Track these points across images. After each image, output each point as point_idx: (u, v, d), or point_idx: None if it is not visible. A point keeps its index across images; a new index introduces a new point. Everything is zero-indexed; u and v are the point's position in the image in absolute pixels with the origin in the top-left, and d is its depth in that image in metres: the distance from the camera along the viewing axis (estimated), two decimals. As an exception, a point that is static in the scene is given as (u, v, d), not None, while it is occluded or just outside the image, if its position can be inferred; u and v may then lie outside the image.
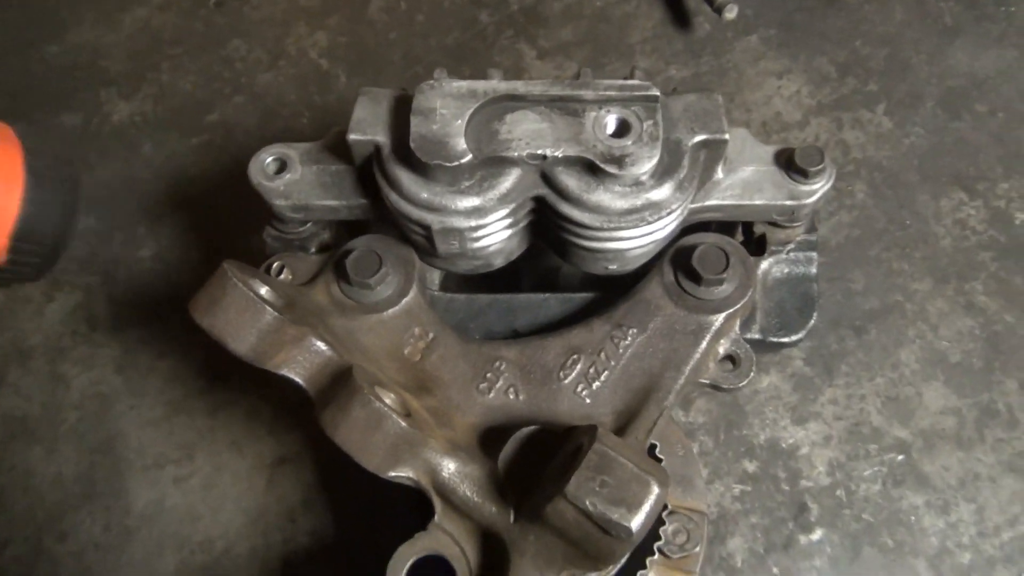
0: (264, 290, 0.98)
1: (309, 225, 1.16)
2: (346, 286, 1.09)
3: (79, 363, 1.47)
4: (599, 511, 0.84)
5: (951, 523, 1.32)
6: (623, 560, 0.98)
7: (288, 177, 1.11)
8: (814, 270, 1.17)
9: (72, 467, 1.39)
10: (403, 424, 0.92)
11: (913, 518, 1.32)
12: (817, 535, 1.32)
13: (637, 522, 0.84)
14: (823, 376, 1.42)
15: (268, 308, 0.93)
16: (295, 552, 1.34)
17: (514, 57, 1.70)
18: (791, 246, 1.17)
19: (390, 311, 1.09)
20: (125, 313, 1.51)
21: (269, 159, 1.11)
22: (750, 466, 1.37)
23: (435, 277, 1.26)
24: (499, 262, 1.13)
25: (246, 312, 0.93)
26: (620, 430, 1.02)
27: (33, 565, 1.33)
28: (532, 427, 0.97)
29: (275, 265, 1.12)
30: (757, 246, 1.18)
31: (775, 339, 1.14)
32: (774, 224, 1.15)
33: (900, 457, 1.36)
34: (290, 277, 1.13)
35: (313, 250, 1.17)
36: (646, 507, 0.85)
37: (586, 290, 1.19)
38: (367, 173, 1.08)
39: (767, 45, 1.67)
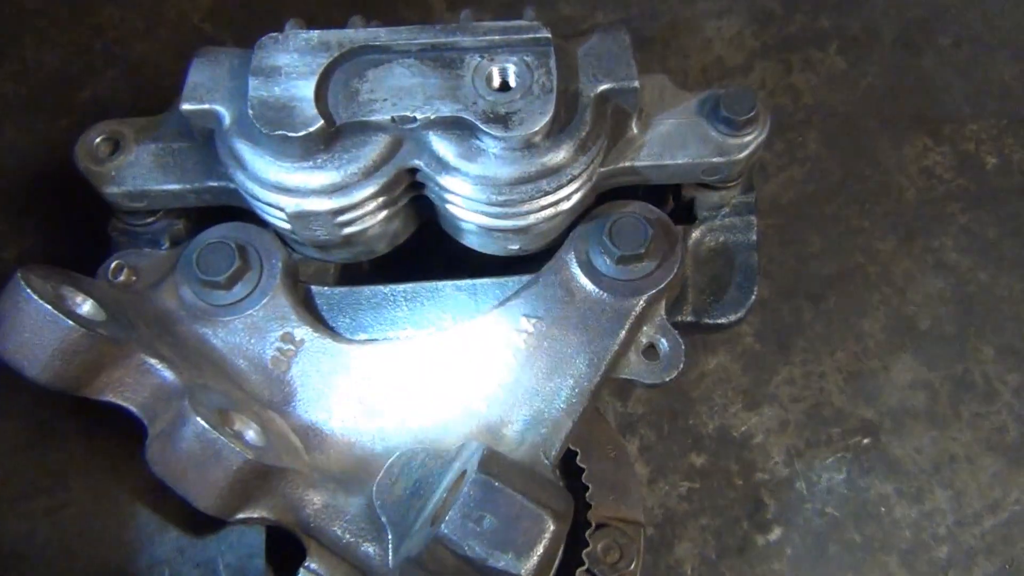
0: (79, 299, 0.80)
1: (159, 215, 0.98)
2: (196, 288, 0.92)
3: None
4: (479, 556, 0.68)
5: (925, 513, 1.17)
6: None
7: (121, 159, 0.93)
8: (754, 236, 1.01)
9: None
10: (247, 456, 0.75)
11: (883, 509, 1.18)
12: (776, 534, 1.17)
13: (528, 567, 0.68)
14: (777, 353, 1.26)
15: (73, 323, 0.76)
16: (183, 588, 1.17)
17: (422, 10, 1.51)
18: (725, 210, 1.00)
19: (248, 313, 0.91)
20: (-12, 322, 1.33)
21: (99, 139, 0.93)
22: (698, 460, 1.22)
23: (331, 267, 1.08)
24: (382, 247, 0.96)
25: (44, 330, 0.75)
26: (525, 442, 0.85)
27: None
28: (413, 450, 0.80)
29: (112, 266, 0.94)
30: (686, 213, 1.01)
31: (711, 320, 0.98)
32: (704, 186, 0.98)
33: (866, 440, 1.21)
34: (133, 279, 0.95)
35: (166, 245, 0.99)
36: (539, 548, 0.69)
37: (504, 273, 1.02)
38: (212, 152, 0.90)
39: (703, -18, 1.50)
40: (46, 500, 1.23)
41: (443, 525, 0.69)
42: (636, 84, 0.86)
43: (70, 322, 0.75)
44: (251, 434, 0.80)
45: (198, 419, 0.75)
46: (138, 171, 0.92)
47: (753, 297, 0.99)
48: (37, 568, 1.20)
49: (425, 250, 1.06)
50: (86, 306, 0.80)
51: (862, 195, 1.34)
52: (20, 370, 0.75)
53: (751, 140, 0.91)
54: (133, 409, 0.81)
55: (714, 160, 0.91)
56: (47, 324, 0.75)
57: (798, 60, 1.43)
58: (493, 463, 0.72)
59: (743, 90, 0.90)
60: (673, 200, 1.03)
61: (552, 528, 0.69)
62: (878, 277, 1.29)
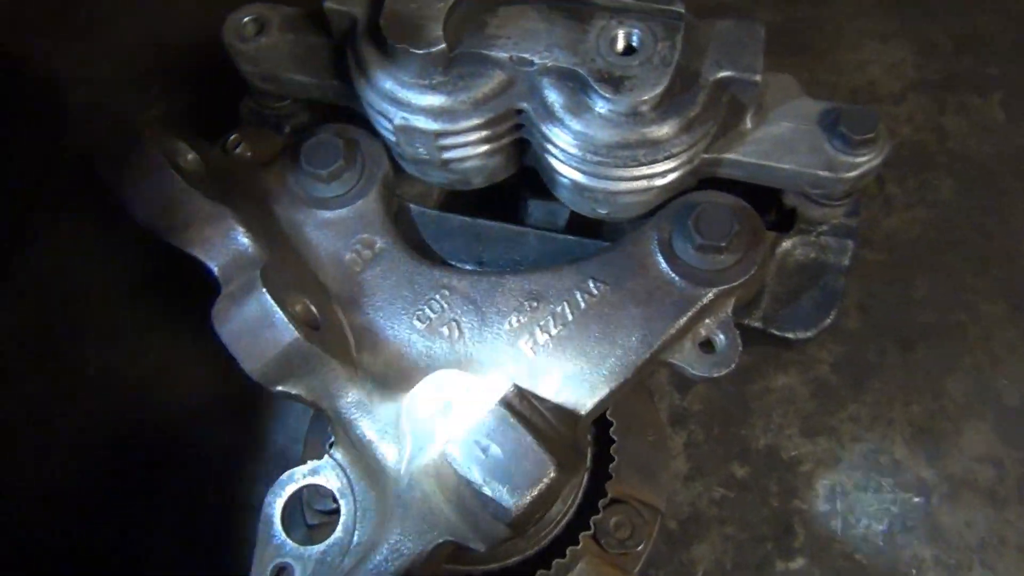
0: (190, 156, 0.87)
1: (286, 103, 1.04)
2: (300, 175, 0.97)
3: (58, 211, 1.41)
4: (476, 481, 0.71)
5: (958, 587, 1.12)
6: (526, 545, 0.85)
7: (263, 42, 0.98)
8: (846, 261, 0.98)
9: (16, 316, 1.34)
10: (298, 335, 0.80)
11: (914, 571, 1.13)
12: (798, 564, 1.15)
13: (519, 507, 0.70)
14: (850, 388, 1.23)
15: (175, 174, 0.82)
16: (229, 452, 1.25)
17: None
18: (824, 228, 0.98)
19: (340, 211, 0.96)
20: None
21: (247, 19, 0.99)
22: (740, 471, 1.20)
23: (434, 191, 1.12)
24: (479, 181, 0.99)
25: (151, 174, 0.82)
26: (559, 395, 0.87)
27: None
28: (452, 372, 0.83)
29: (232, 137, 1.00)
30: (786, 221, 0.99)
31: (778, 332, 0.97)
32: (809, 198, 0.96)
33: (917, 499, 1.17)
34: (248, 154, 1.01)
35: (287, 130, 1.05)
36: (535, 491, 0.71)
37: (591, 236, 1.03)
38: (342, 52, 0.95)
39: (876, 1, 1.44)
40: (132, 343, 1.34)
41: (452, 444, 0.72)
42: (757, 78, 0.85)
43: (176, 174, 0.82)
44: (309, 318, 0.85)
45: (264, 290, 0.80)
46: (275, 56, 0.98)
47: (828, 320, 0.97)
48: (111, 399, 1.31)
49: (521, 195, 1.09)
50: (192, 163, 0.86)
51: (983, 253, 1.27)
52: (129, 209, 0.82)
53: (864, 162, 0.89)
54: (212, 267, 0.87)
55: (820, 173, 0.89)
56: (156, 171, 0.81)
57: (954, 102, 1.37)
58: (516, 401, 0.74)
59: (867, 110, 0.88)
60: (776, 206, 1.01)
61: (552, 475, 0.71)
62: (977, 340, 1.23)
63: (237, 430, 1.28)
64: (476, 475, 0.71)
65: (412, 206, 1.04)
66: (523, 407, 0.74)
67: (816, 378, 1.24)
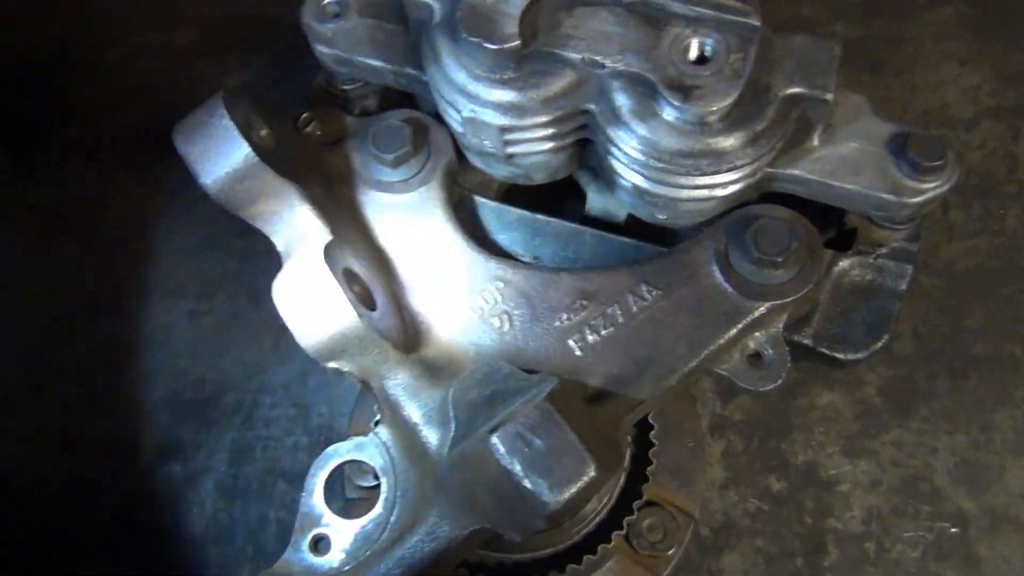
0: (263, 132, 0.89)
1: (358, 85, 1.06)
2: (366, 157, 0.99)
3: (134, 173, 1.45)
4: (517, 473, 0.72)
5: (988, 621, 1.12)
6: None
7: (341, 24, 1.00)
8: (903, 286, 0.98)
9: (92, 273, 1.38)
10: (355, 316, 0.82)
11: (946, 601, 1.13)
12: (826, 582, 1.15)
13: (556, 502, 0.72)
14: (895, 412, 1.22)
15: (249, 149, 0.84)
16: (276, 419, 1.29)
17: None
18: (883, 251, 0.97)
19: (402, 195, 0.98)
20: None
21: (327, 0, 1.01)
22: (776, 484, 1.20)
23: (493, 183, 1.13)
24: (540, 177, 1.00)
25: (225, 145, 0.84)
26: (602, 396, 0.88)
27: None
28: (501, 364, 0.85)
29: (303, 116, 1.03)
30: (844, 240, 0.99)
31: (827, 351, 0.96)
32: (870, 220, 0.96)
33: (954, 530, 1.16)
34: (317, 133, 1.03)
35: (355, 112, 1.07)
36: (573, 487, 0.72)
37: (646, 239, 1.03)
38: (419, 40, 0.96)
39: (959, 23, 1.41)
40: (192, 303, 1.38)
41: (497, 434, 0.74)
42: (829, 97, 0.85)
43: (248, 147, 0.84)
44: (366, 299, 0.87)
45: (325, 269, 0.83)
46: (351, 39, 1.00)
47: (879, 344, 0.96)
48: (167, 358, 1.35)
49: (580, 192, 1.10)
50: (266, 138, 0.89)
51: (1045, 288, 1.26)
52: (196, 175, 0.85)
53: (930, 188, 0.88)
54: (276, 242, 0.90)
55: (885, 196, 0.89)
56: (229, 142, 0.84)
57: (1030, 131, 1.34)
58: (561, 398, 0.75)
59: (936, 138, 0.87)
60: (836, 225, 1.01)
61: (592, 474, 0.72)
62: (1031, 375, 1.22)
63: (283, 399, 1.32)
64: (518, 467, 0.72)
65: (473, 196, 1.05)
66: (568, 405, 0.76)
67: (862, 399, 1.23)
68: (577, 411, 0.76)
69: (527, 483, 0.72)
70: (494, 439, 0.74)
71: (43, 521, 1.28)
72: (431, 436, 0.86)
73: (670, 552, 1.03)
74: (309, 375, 1.31)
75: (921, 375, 1.23)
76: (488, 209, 1.04)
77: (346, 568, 0.86)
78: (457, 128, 0.95)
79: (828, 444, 1.22)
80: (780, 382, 0.90)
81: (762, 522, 1.19)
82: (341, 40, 1.00)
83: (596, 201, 1.07)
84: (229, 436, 1.28)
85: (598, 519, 1.01)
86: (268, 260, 1.38)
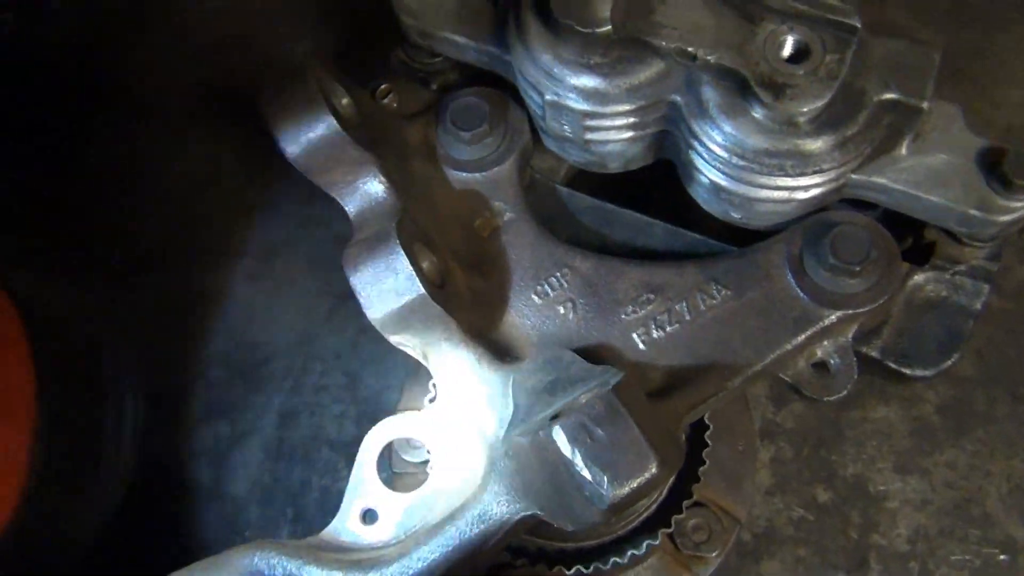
0: (344, 101, 0.89)
1: (438, 59, 1.05)
2: (442, 133, 0.99)
3: (201, 133, 1.46)
4: (578, 464, 0.71)
5: (1032, 653, 1.09)
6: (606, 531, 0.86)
7: (427, -2, 0.99)
8: (979, 306, 0.95)
9: (154, 229, 1.39)
10: (423, 291, 0.82)
11: (988, 629, 1.11)
12: (867, 599, 1.14)
13: (616, 496, 0.71)
14: (951, 432, 1.20)
15: (332, 118, 0.84)
16: (325, 387, 1.29)
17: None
18: (961, 268, 0.95)
19: (476, 174, 0.97)
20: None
21: (426, -31, 1.00)
22: (823, 495, 1.19)
23: (562, 167, 1.12)
24: (615, 166, 0.98)
25: (309, 114, 0.84)
26: (663, 392, 0.87)
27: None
28: (565, 351, 0.84)
29: (382, 87, 1.02)
30: (921, 254, 0.96)
31: (895, 366, 0.94)
32: (950, 235, 0.93)
33: (1003, 557, 1.14)
34: (395, 105, 1.03)
35: (434, 87, 1.06)
36: (634, 483, 0.71)
37: (716, 237, 1.02)
38: (505, 19, 0.95)
39: (1051, 39, 1.37)
40: (250, 265, 1.39)
41: (560, 423, 0.73)
42: (924, 105, 0.83)
43: (332, 117, 0.84)
44: (434, 276, 0.86)
45: (397, 242, 0.82)
46: (436, 13, 0.99)
47: (949, 363, 0.94)
48: (222, 318, 1.36)
49: (652, 185, 1.08)
50: (347, 107, 0.88)
51: (1119, 319, 1.22)
52: (278, 139, 0.85)
53: (1020, 207, 0.85)
54: (350, 211, 0.90)
55: (971, 212, 0.86)
56: (314, 111, 0.84)
57: (1117, 156, 1.30)
58: (628, 391, 0.74)
59: (1034, 156, 0.84)
60: (913, 237, 0.99)
61: (654, 471, 0.71)
62: (1096, 407, 1.19)
63: (334, 367, 1.32)
64: (579, 458, 0.72)
65: (541, 179, 1.04)
66: (633, 399, 0.75)
67: (918, 416, 1.21)
68: (641, 406, 0.75)
69: (587, 475, 0.71)
70: (556, 428, 0.73)
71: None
72: (488, 418, 0.85)
73: (713, 554, 1.02)
74: (360, 345, 1.31)
75: (981, 397, 1.21)
76: (559, 194, 1.03)
77: (393, 542, 0.86)
78: (537, 111, 0.94)
79: (879, 459, 1.20)
80: (845, 393, 0.88)
81: (805, 532, 1.17)
82: (426, 13, 0.99)
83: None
84: (278, 400, 1.29)
85: (645, 515, 1.00)
86: (327, 228, 1.39)
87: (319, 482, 1.26)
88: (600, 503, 0.71)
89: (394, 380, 1.29)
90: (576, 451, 0.72)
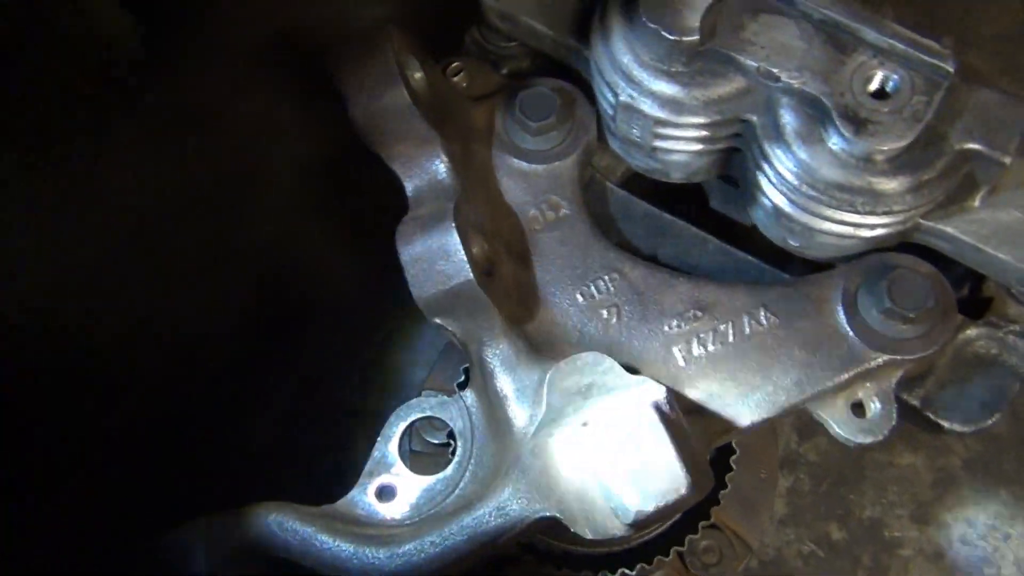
0: (417, 75, 0.88)
1: (513, 44, 1.04)
2: (509, 120, 0.97)
3: (264, 83, 1.45)
4: (608, 475, 0.71)
5: None
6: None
7: (513, -19, 0.98)
8: (1027, 369, 0.93)
9: (208, 175, 1.39)
10: (471, 277, 0.81)
11: None
12: (867, 644, 1.13)
13: (642, 513, 0.70)
14: (975, 489, 1.19)
15: (405, 90, 0.83)
16: (355, 356, 1.29)
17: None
18: (1016, 328, 0.93)
19: (537, 166, 0.96)
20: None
21: (503, -48, 0.99)
22: (837, 533, 1.18)
23: (619, 168, 1.11)
24: (678, 176, 0.97)
25: (382, 81, 0.83)
26: (697, 411, 0.86)
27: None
28: (603, 356, 0.83)
29: (454, 65, 1.01)
30: (976, 307, 0.94)
31: (934, 417, 0.92)
32: (1010, 293, 0.91)
33: (1011, 622, 1.12)
34: (464, 85, 1.02)
35: (504, 72, 1.05)
36: (662, 502, 0.70)
37: (767, 262, 1.00)
38: (588, 13, 0.94)
39: None
40: (297, 220, 1.38)
41: (594, 431, 0.72)
42: (1007, 160, 0.80)
43: (405, 90, 0.83)
44: (484, 263, 0.86)
45: (453, 224, 0.81)
46: (520, -2, 0.98)
47: (989, 422, 0.92)
48: (264, 271, 1.35)
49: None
50: (419, 82, 0.87)
51: None
52: (347, 103, 0.84)
53: (1087, 277, 0.83)
54: (408, 187, 0.89)
55: (1037, 274, 0.84)
56: (388, 81, 0.83)
57: None
58: (667, 408, 0.73)
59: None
60: (971, 289, 0.97)
61: (684, 493, 0.70)
62: None
63: (361, 336, 1.32)
64: (610, 469, 0.71)
65: (606, 181, 1.03)
66: (670, 416, 0.74)
67: (944, 468, 1.19)
68: (678, 426, 0.74)
69: (616, 488, 0.70)
70: (589, 435, 0.72)
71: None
72: (519, 413, 0.84)
73: (722, 578, 1.01)
74: (392, 318, 1.31)
75: (1011, 458, 1.19)
76: (616, 197, 1.02)
77: (407, 522, 0.86)
78: (608, 110, 0.93)
79: (899, 505, 1.18)
80: (881, 438, 0.87)
81: (814, 566, 1.16)
82: (509, -4, 0.98)
83: (719, 193, 1.03)
84: (306, 361, 1.29)
85: (660, 529, 0.99)
86: (377, 195, 1.38)
87: (334, 450, 1.26)
88: (625, 517, 0.71)
89: (422, 357, 1.29)
90: (608, 461, 0.71)
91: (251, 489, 1.24)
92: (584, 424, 0.75)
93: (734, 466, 0.99)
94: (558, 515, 0.79)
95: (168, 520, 0.89)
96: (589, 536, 0.77)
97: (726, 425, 0.87)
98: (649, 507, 0.70)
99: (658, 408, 0.73)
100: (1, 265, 0.91)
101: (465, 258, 0.81)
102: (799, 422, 1.22)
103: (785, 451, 1.20)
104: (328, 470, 1.24)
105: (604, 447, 0.73)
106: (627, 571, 0.95)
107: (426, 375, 1.19)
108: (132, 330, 1.32)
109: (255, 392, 1.28)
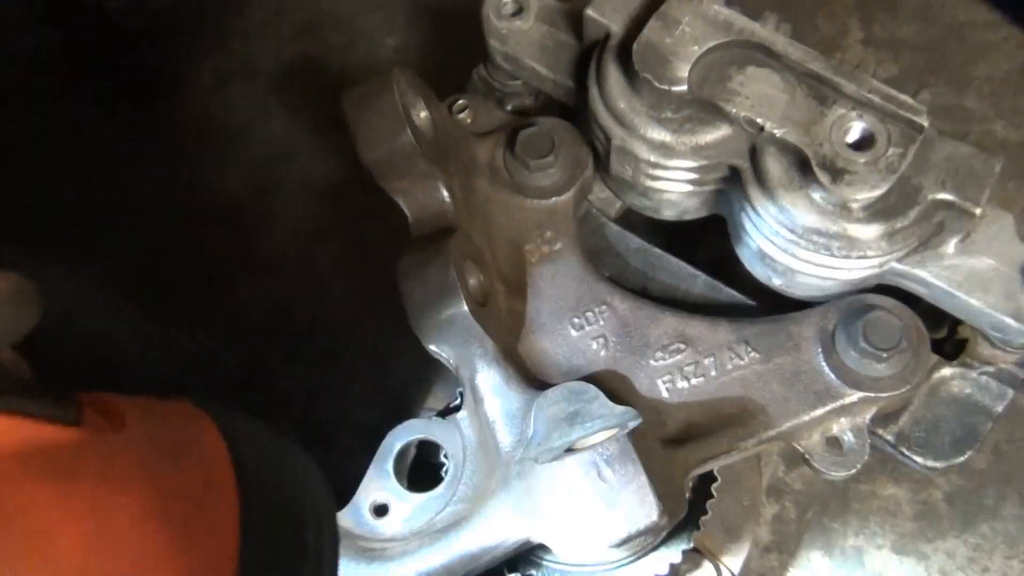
0: (423, 114, 0.93)
1: (518, 83, 1.09)
2: (509, 157, 1.02)
3: (283, 106, 1.51)
4: (586, 501, 0.75)
5: None
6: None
7: (517, 25, 1.03)
8: (1000, 409, 0.97)
9: (226, 190, 1.45)
10: (466, 308, 0.86)
11: None
12: (844, 671, 1.16)
13: (614, 535, 0.74)
14: (956, 523, 1.21)
15: (409, 131, 0.88)
16: (358, 372, 1.34)
17: (837, 28, 1.50)
18: (989, 369, 0.96)
19: (534, 201, 1.01)
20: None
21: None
22: (820, 561, 1.21)
23: (616, 206, 1.15)
24: (669, 214, 1.02)
25: (388, 125, 0.88)
26: (678, 441, 0.90)
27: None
28: (589, 386, 0.87)
29: (459, 103, 1.07)
30: (951, 347, 0.98)
31: (907, 453, 0.96)
32: (984, 336, 0.95)
33: (986, 654, 1.15)
34: (468, 121, 1.07)
35: (508, 108, 1.10)
36: (634, 528, 0.75)
37: (753, 298, 1.04)
38: (587, 58, 0.99)
39: (1125, 152, 1.37)
40: (306, 241, 1.44)
41: (574, 457, 0.77)
42: (977, 211, 0.84)
43: (408, 130, 0.88)
44: (479, 294, 0.90)
45: (449, 259, 0.86)
46: (522, 41, 1.03)
47: (960, 459, 0.96)
48: (273, 285, 1.41)
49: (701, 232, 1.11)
50: (423, 121, 0.93)
51: None
52: (356, 144, 0.89)
53: (1055, 323, 0.87)
54: (408, 215, 0.94)
55: (1006, 320, 0.88)
56: (393, 121, 0.88)
57: None
58: (643, 438, 0.78)
59: (1076, 278, 0.86)
60: (948, 330, 1.00)
61: (655, 519, 0.75)
62: (1105, 522, 1.19)
63: (369, 353, 1.37)
64: (588, 494, 0.75)
65: (595, 213, 1.08)
66: (647, 446, 0.78)
67: (926, 501, 1.23)
68: (653, 454, 0.79)
69: (593, 511, 0.75)
70: (570, 461, 0.77)
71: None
72: (506, 437, 0.89)
73: (702, 602, 1.05)
74: (398, 337, 1.36)
75: (991, 493, 1.22)
76: (609, 230, 1.06)
77: (399, 537, 0.91)
78: (602, 151, 0.97)
79: (880, 535, 1.22)
80: (854, 471, 0.91)
81: (796, 594, 1.20)
82: (513, 39, 1.03)
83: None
84: (311, 375, 1.35)
85: (640, 553, 1.03)
86: (381, 220, 1.44)
87: (333, 463, 1.30)
88: (599, 540, 0.75)
89: (424, 375, 1.34)
90: (584, 486, 0.75)
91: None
92: (568, 450, 0.80)
93: (715, 493, 1.03)
94: (540, 537, 0.84)
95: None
96: (566, 557, 0.81)
97: (705, 455, 0.91)
98: (621, 532, 0.74)
99: (634, 438, 0.77)
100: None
101: (460, 291, 0.86)
102: (786, 451, 1.26)
103: (772, 479, 1.24)
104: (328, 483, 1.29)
105: (585, 473, 0.77)
106: (608, 591, 0.99)
107: (425, 394, 1.24)
108: (150, 340, 1.38)
109: (263, 402, 1.34)
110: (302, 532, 0.62)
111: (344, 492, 0.94)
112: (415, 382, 1.35)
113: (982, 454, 1.22)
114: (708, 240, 1.14)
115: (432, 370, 1.29)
